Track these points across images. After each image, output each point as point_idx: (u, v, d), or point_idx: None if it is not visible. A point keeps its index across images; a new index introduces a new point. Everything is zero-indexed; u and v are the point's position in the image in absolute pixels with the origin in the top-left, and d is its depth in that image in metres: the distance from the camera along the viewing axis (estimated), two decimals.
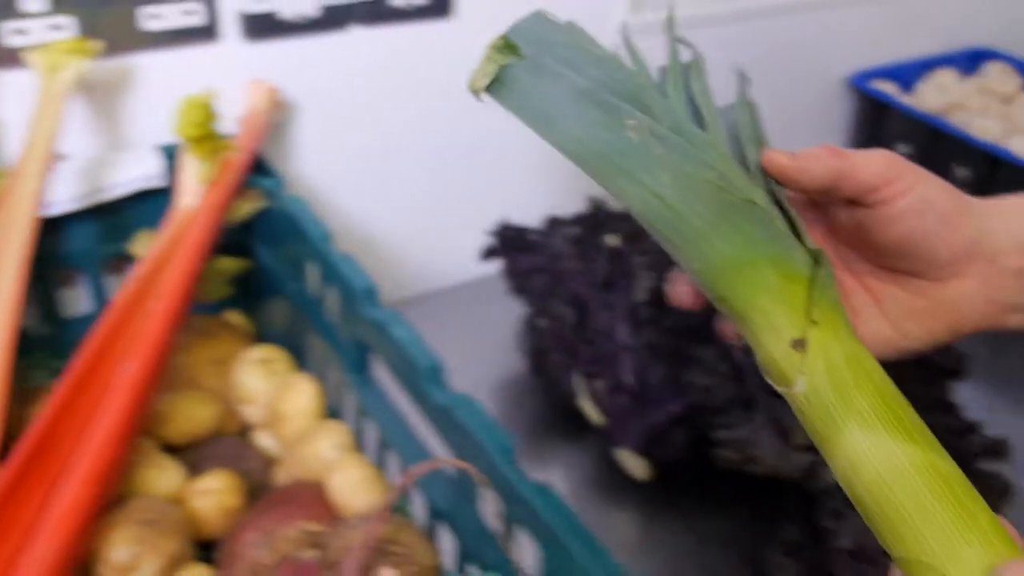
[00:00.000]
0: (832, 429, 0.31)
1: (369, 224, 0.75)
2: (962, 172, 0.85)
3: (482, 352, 0.74)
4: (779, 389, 0.34)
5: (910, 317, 0.42)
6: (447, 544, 0.50)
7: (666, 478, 0.63)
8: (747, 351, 0.37)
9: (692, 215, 0.35)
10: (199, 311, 0.61)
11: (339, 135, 0.70)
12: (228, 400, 0.59)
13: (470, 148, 0.77)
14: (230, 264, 0.63)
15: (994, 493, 0.61)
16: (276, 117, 0.63)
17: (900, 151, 0.89)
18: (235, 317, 0.66)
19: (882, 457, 0.30)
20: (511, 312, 0.72)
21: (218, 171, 0.58)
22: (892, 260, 0.42)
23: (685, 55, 0.40)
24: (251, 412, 0.59)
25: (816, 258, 0.35)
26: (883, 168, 0.39)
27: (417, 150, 0.74)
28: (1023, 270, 0.42)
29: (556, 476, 0.65)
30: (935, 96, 0.90)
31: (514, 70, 0.38)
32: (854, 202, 0.40)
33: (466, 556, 0.48)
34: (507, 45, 0.38)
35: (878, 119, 0.90)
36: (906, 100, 0.91)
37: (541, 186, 0.81)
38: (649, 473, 0.63)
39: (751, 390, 0.57)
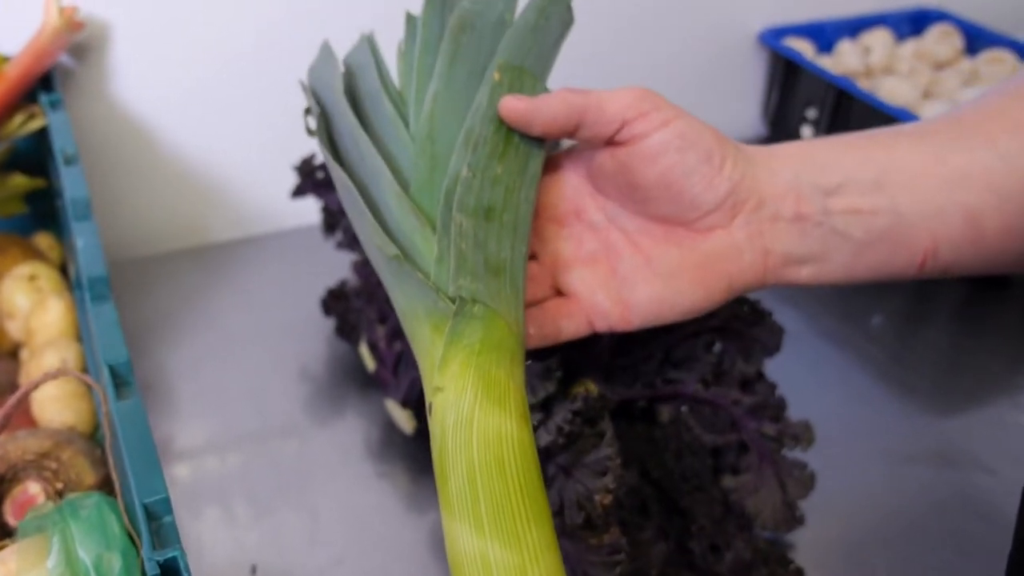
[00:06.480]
0: (440, 496, 0.32)
1: (202, 158, 0.74)
2: None
3: (307, 296, 0.72)
4: None
5: (683, 274, 0.40)
6: None
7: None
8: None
9: (381, 268, 0.37)
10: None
11: (169, 61, 0.69)
12: None
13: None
14: (22, 181, 0.63)
15: (800, 485, 0.56)
16: (73, 37, 0.63)
17: (808, 115, 0.82)
18: (44, 240, 0.67)
19: (453, 538, 0.31)
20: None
21: None
22: (658, 205, 0.40)
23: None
24: (13, 327, 0.60)
25: (456, 303, 0.34)
26: (633, 100, 0.38)
27: (257, 82, 0.73)
28: (800, 216, 0.39)
29: (346, 424, 0.63)
30: (854, 58, 0.81)
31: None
32: (613, 143, 0.39)
33: None
34: (304, 89, 0.41)
35: (788, 80, 0.83)
36: (823, 61, 0.83)
37: None
38: (414, 426, 0.60)
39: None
